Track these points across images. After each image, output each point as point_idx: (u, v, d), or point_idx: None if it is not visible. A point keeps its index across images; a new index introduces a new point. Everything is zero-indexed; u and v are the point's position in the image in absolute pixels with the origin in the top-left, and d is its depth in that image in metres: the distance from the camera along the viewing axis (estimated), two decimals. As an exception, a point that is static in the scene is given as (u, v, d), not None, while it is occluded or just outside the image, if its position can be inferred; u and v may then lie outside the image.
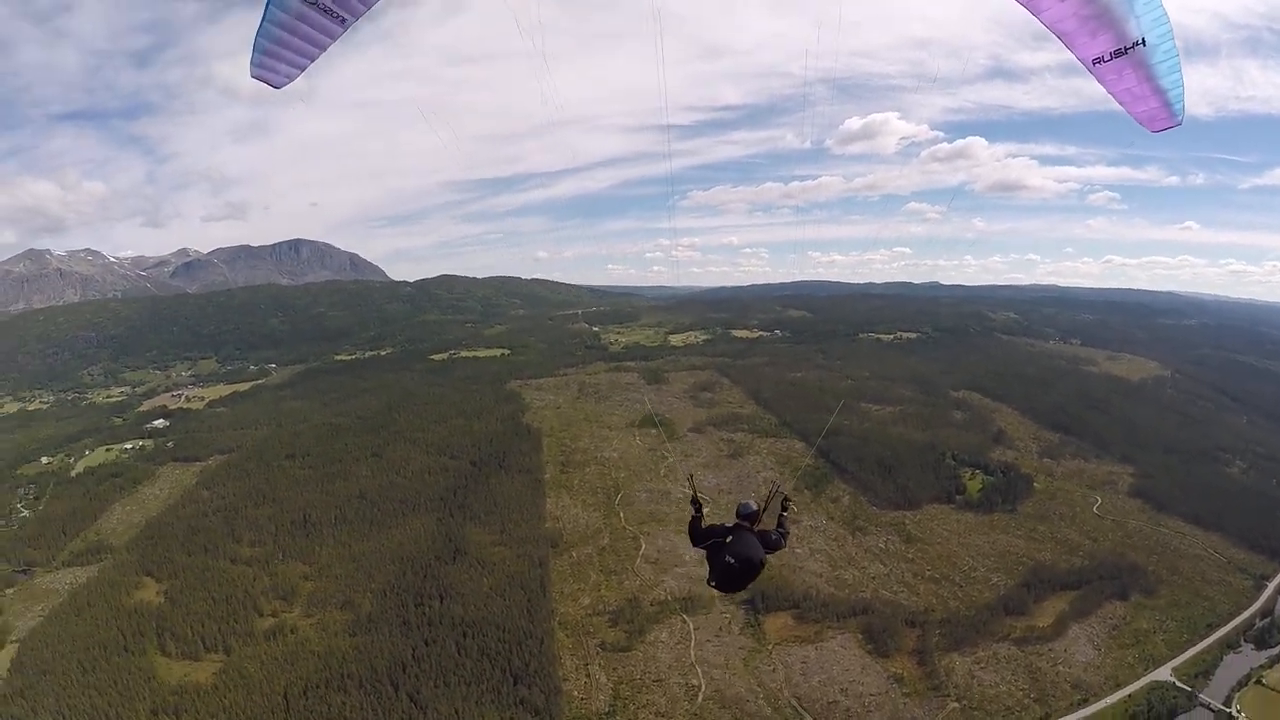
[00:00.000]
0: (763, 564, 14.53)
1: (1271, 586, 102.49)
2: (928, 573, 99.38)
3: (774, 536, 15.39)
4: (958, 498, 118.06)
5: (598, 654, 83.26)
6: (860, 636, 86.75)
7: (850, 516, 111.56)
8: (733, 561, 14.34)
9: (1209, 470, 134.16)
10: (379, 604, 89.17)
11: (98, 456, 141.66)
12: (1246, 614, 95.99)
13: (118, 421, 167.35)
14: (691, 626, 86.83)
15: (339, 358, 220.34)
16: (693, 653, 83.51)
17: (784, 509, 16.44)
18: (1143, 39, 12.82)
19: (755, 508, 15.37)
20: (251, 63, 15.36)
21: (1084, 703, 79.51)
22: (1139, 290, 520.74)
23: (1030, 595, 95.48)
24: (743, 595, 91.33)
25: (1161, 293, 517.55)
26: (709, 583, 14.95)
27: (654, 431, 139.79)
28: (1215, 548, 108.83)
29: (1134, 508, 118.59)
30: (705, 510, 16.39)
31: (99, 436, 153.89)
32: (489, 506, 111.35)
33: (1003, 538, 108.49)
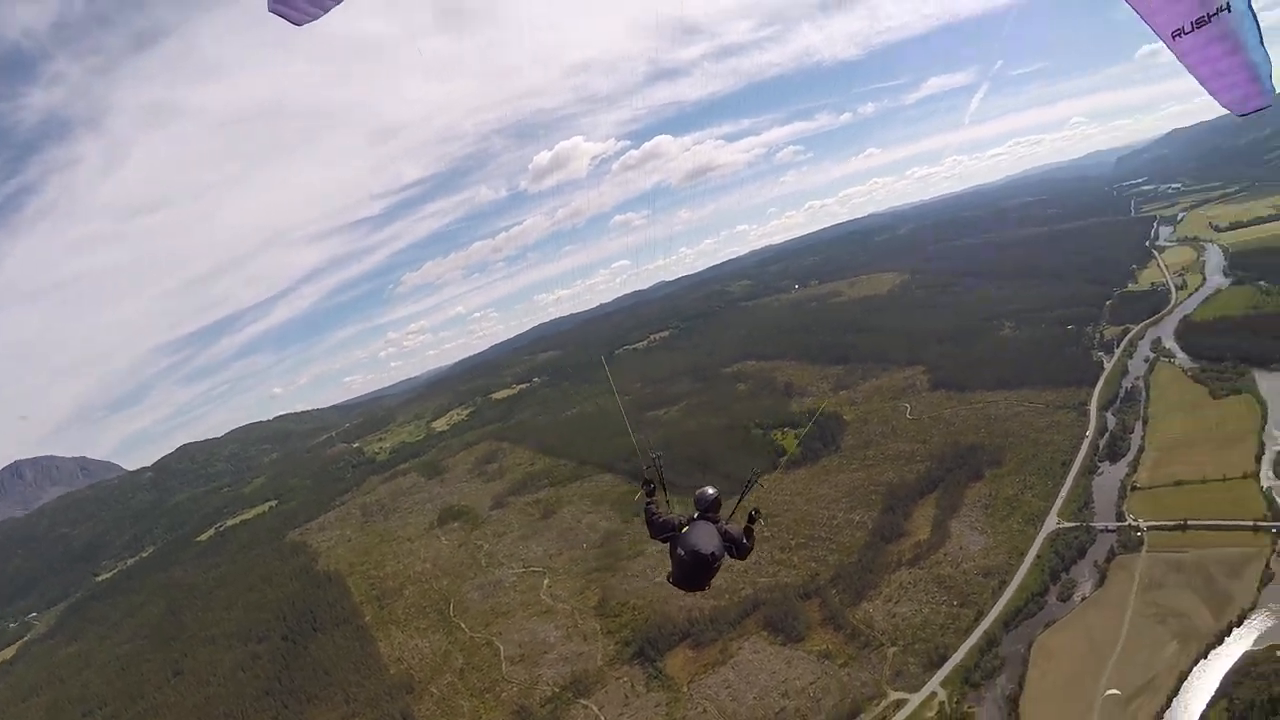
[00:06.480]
0: (714, 557, 12.71)
1: (1093, 407, 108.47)
2: (793, 542, 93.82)
3: (743, 539, 13.49)
4: (781, 460, 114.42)
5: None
6: (766, 633, 78.30)
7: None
8: (683, 554, 12.85)
9: (986, 341, 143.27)
10: None
11: None
12: (1088, 439, 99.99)
13: None
14: (596, 708, 72.63)
15: (100, 579, 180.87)
16: (610, 735, 69.43)
17: (751, 520, 14.40)
18: (1228, 4, 10.37)
19: (713, 494, 13.74)
20: None
21: (1003, 584, 76.60)
22: (844, 222, 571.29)
23: (898, 515, 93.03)
24: (632, 649, 79.05)
25: (863, 217, 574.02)
26: (669, 578, 13.26)
27: (456, 525, 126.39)
28: (1028, 400, 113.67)
29: (941, 399, 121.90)
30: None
31: None
32: (322, 679, 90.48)
33: (842, 477, 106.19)
